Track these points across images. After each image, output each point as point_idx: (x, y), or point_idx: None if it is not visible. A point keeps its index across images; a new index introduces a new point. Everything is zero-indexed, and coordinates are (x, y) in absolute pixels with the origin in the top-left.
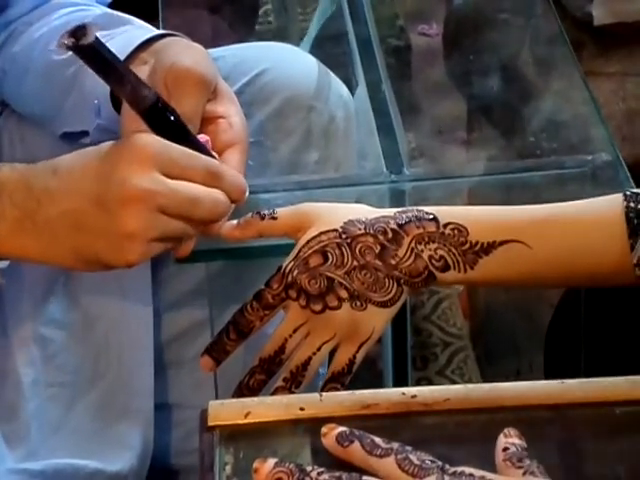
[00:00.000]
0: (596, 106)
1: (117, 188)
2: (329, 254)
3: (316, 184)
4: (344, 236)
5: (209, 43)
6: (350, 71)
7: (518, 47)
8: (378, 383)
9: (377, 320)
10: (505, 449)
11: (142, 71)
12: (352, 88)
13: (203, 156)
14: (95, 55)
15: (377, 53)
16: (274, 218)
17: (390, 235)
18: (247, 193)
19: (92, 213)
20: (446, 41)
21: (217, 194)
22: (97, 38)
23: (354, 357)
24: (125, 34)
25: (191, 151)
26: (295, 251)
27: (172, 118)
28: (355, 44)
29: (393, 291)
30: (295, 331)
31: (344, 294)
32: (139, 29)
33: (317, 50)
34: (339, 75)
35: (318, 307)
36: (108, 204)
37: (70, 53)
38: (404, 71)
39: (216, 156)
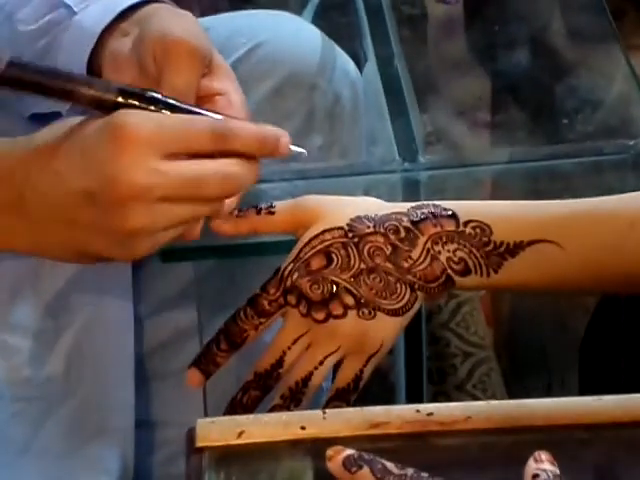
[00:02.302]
0: (639, 83)
1: (108, 187)
2: (333, 255)
3: (319, 173)
4: (351, 235)
5: (197, 11)
6: (358, 44)
7: (550, 16)
8: (389, 399)
9: (387, 330)
10: (535, 476)
11: (124, 44)
12: (360, 64)
13: (203, 118)
14: (18, 81)
15: (389, 23)
16: (271, 212)
17: (403, 234)
18: (287, 138)
19: (85, 210)
20: (468, 10)
21: (226, 166)
22: (11, 63)
23: (361, 372)
24: (102, 1)
25: (187, 117)
26: (295, 251)
27: (152, 95)
28: (364, 13)
29: (406, 298)
30: (295, 342)
31: (350, 301)
32: None
33: (321, 20)
34: (345, 49)
35: (321, 315)
36: (101, 203)
37: (39, 23)
38: (419, 44)
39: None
